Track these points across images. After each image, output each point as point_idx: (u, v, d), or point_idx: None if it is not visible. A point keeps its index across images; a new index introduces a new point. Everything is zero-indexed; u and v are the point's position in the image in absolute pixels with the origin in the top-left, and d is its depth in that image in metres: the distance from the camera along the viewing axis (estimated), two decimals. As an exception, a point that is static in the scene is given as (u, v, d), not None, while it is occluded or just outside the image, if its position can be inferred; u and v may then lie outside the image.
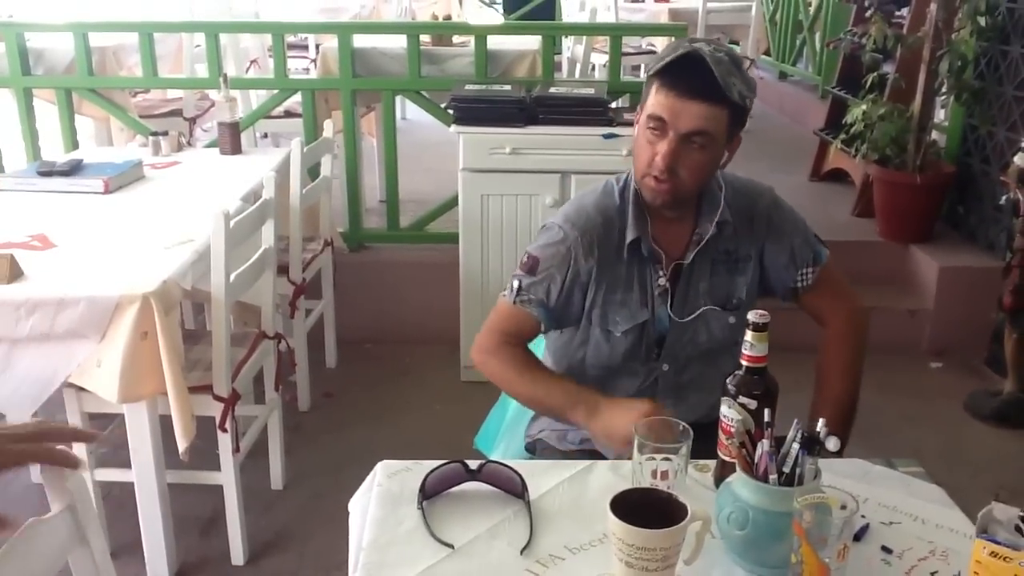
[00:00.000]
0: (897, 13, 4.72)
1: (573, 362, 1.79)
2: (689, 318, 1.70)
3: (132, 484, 2.30)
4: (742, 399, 1.31)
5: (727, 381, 1.34)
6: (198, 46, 4.52)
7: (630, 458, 1.35)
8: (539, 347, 2.00)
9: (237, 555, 2.50)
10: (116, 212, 2.68)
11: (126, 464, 2.30)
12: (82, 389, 2.19)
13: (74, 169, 2.90)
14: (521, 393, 1.74)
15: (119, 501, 2.51)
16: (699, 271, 1.70)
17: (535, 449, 1.85)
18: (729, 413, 1.33)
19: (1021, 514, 1.09)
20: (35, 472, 2.82)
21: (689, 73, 1.53)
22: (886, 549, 1.27)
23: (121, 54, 4.10)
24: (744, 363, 1.32)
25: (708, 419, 1.41)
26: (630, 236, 1.67)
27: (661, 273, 1.69)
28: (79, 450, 2.28)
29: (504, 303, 1.75)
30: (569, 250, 1.68)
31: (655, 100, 1.57)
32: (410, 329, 3.77)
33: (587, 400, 1.60)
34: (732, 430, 1.31)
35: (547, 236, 1.72)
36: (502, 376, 1.74)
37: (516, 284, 1.71)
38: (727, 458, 1.33)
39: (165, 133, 3.35)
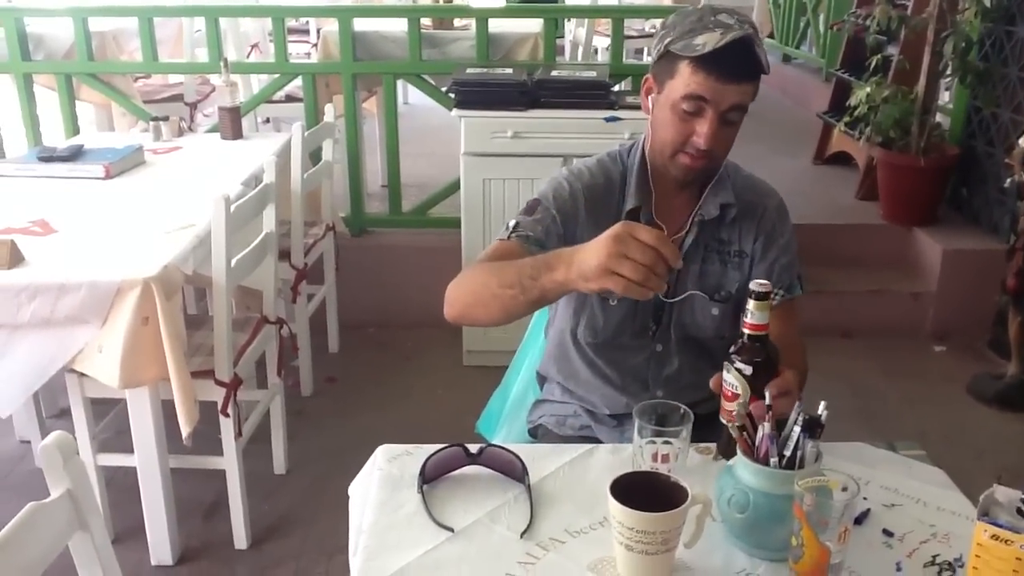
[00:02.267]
0: (901, -6, 4.69)
1: (566, 334, 1.75)
2: (675, 299, 1.67)
3: (135, 469, 2.31)
4: (739, 364, 1.31)
5: (728, 348, 1.34)
6: (198, 31, 4.50)
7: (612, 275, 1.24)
8: (531, 349, 2.01)
9: (240, 539, 2.51)
10: (117, 197, 2.68)
11: (129, 449, 2.31)
12: (84, 374, 2.19)
13: (75, 154, 2.89)
14: (491, 283, 1.46)
15: (122, 486, 2.51)
16: (692, 253, 1.67)
17: (537, 434, 1.85)
18: (729, 378, 1.33)
19: (1023, 497, 1.08)
20: (39, 456, 2.85)
21: (733, 55, 1.49)
22: (887, 532, 1.27)
23: (121, 39, 4.08)
24: (745, 331, 1.32)
25: (705, 410, 1.39)
26: (629, 204, 1.65)
27: None
28: (81, 436, 2.30)
29: (495, 243, 1.61)
30: (572, 196, 1.64)
31: (694, 81, 1.51)
32: (412, 314, 3.76)
33: (560, 254, 1.37)
34: (731, 394, 1.32)
35: (550, 183, 1.68)
36: (474, 280, 1.52)
37: (512, 223, 1.63)
38: (727, 423, 1.33)
39: (166, 118, 3.34)
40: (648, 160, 1.67)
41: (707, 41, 1.48)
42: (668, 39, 1.54)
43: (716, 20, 1.50)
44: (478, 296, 1.50)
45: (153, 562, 2.41)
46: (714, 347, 1.67)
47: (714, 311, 1.68)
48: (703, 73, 1.50)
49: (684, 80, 1.52)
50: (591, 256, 1.26)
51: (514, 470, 1.37)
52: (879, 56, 4.10)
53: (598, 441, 1.67)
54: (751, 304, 1.31)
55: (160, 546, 2.39)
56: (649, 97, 1.63)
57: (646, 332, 1.70)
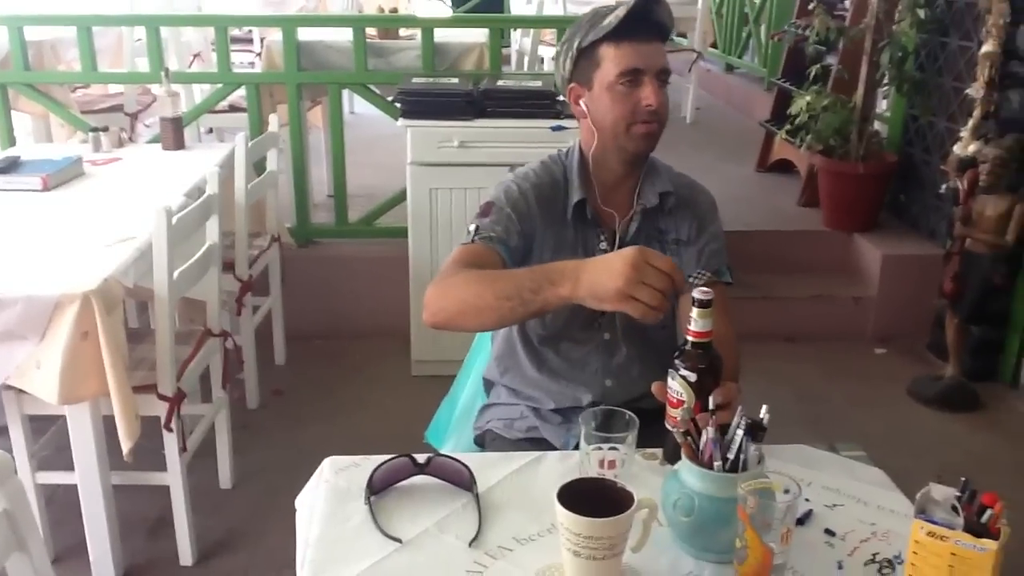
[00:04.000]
0: (840, 5, 4.79)
1: (513, 331, 1.78)
2: None
3: (76, 486, 2.26)
4: (684, 372, 1.33)
5: (674, 355, 1.36)
6: (139, 40, 4.43)
7: (634, 301, 1.29)
8: (478, 357, 2.01)
9: (185, 556, 2.47)
10: (55, 210, 2.62)
11: (69, 466, 2.25)
12: (22, 391, 2.14)
13: (11, 166, 2.83)
14: (486, 295, 1.46)
15: (63, 504, 2.46)
16: (635, 243, 1.69)
17: (484, 441, 1.85)
18: (674, 385, 1.35)
19: (958, 494, 1.11)
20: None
21: (641, 20, 1.61)
22: (829, 532, 1.29)
23: (59, 48, 4.00)
24: (689, 338, 1.34)
25: (651, 404, 1.41)
26: (575, 197, 1.71)
27: (603, 238, 1.73)
28: (19, 454, 2.25)
29: (460, 248, 1.64)
30: (522, 195, 1.69)
31: (620, 56, 1.62)
32: (360, 324, 3.75)
33: (564, 269, 1.40)
34: (676, 401, 1.34)
35: (499, 186, 1.73)
36: (460, 289, 1.50)
37: (473, 227, 1.66)
38: (672, 429, 1.34)
39: (106, 129, 3.28)
40: (587, 157, 1.74)
41: (616, 15, 1.61)
42: (576, 41, 1.67)
43: (610, 6, 1.63)
44: (469, 305, 1.50)
45: (96, 581, 2.36)
46: (658, 337, 1.73)
47: None
48: (625, 43, 1.62)
49: (611, 60, 1.64)
50: (607, 279, 1.31)
51: (462, 479, 1.37)
52: (819, 66, 4.18)
53: (545, 441, 1.68)
54: (694, 312, 1.32)
55: (103, 564, 2.33)
56: (580, 101, 1.71)
57: (593, 322, 1.74)
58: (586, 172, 1.74)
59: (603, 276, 1.33)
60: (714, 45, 7.10)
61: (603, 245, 1.72)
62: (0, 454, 1.10)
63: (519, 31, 6.10)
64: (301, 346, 3.65)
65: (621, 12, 1.60)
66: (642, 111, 1.64)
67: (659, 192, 1.73)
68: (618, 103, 1.65)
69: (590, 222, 1.72)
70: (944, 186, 3.60)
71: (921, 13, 3.71)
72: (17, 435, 2.25)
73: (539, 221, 1.69)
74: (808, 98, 4.05)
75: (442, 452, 1.65)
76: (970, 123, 3.35)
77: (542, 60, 5.94)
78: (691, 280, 1.72)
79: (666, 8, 1.65)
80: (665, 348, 1.67)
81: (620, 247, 1.70)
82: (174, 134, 3.23)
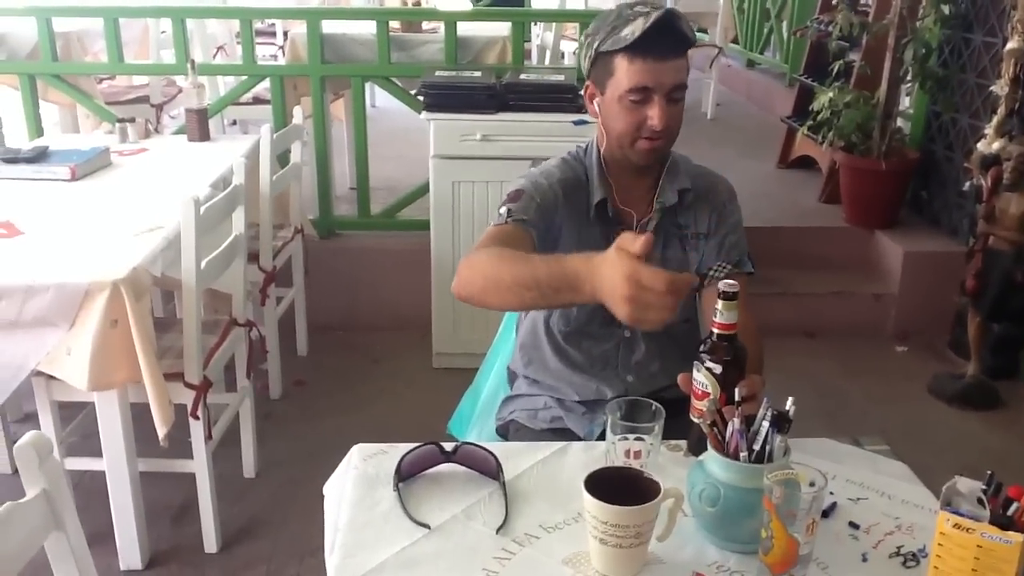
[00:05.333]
0: (862, 1, 4.77)
1: (539, 323, 1.80)
2: None
3: (103, 473, 2.29)
4: (709, 364, 1.34)
5: (699, 347, 1.37)
6: (164, 32, 4.46)
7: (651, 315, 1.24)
8: (503, 348, 2.03)
9: (210, 543, 2.50)
10: (83, 199, 2.66)
11: (97, 453, 2.29)
12: (52, 377, 2.17)
13: (40, 156, 2.86)
14: (511, 281, 1.43)
15: (89, 490, 2.50)
16: (655, 240, 1.70)
17: (507, 432, 1.87)
18: (699, 377, 1.36)
19: (984, 487, 1.12)
20: (3, 462, 2.81)
21: (658, 36, 1.58)
22: (853, 524, 1.30)
23: (86, 39, 4.04)
24: (714, 330, 1.35)
25: (673, 395, 1.42)
26: (597, 197, 1.72)
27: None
28: (48, 435, 2.27)
29: (494, 227, 1.63)
30: (550, 187, 1.70)
31: (632, 71, 1.61)
32: (381, 316, 3.77)
33: (576, 273, 1.34)
34: (700, 393, 1.35)
35: (527, 177, 1.73)
36: (490, 268, 1.47)
37: (504, 210, 1.65)
38: (697, 420, 1.35)
39: (132, 120, 3.31)
40: (604, 157, 1.75)
41: (634, 29, 1.58)
42: (596, 42, 1.65)
43: (634, 11, 1.61)
44: (492, 283, 1.47)
45: (122, 566, 2.39)
46: (680, 331, 1.74)
47: None
48: (639, 60, 1.60)
49: (624, 73, 1.62)
50: (611, 295, 1.25)
51: (489, 467, 1.38)
52: (841, 62, 4.17)
53: (569, 432, 1.70)
54: (720, 304, 1.34)
55: (129, 550, 2.37)
56: (594, 101, 1.72)
57: (613, 319, 1.73)
58: (603, 171, 1.75)
59: (607, 291, 1.27)
60: (735, 41, 7.07)
61: None
62: (40, 435, 1.12)
63: (541, 25, 6.10)
64: (323, 337, 3.68)
65: (638, 28, 1.58)
66: (647, 128, 1.64)
67: (678, 189, 1.74)
68: (625, 116, 1.65)
69: (611, 220, 1.74)
70: (967, 183, 3.59)
71: (945, 9, 3.70)
72: (47, 421, 2.28)
73: (565, 215, 1.70)
74: (830, 94, 4.04)
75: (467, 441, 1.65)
76: (994, 120, 3.33)
77: (563, 54, 5.94)
78: (712, 272, 1.73)
79: (686, 21, 1.64)
80: (686, 342, 1.70)
81: None
82: (199, 125, 3.25)
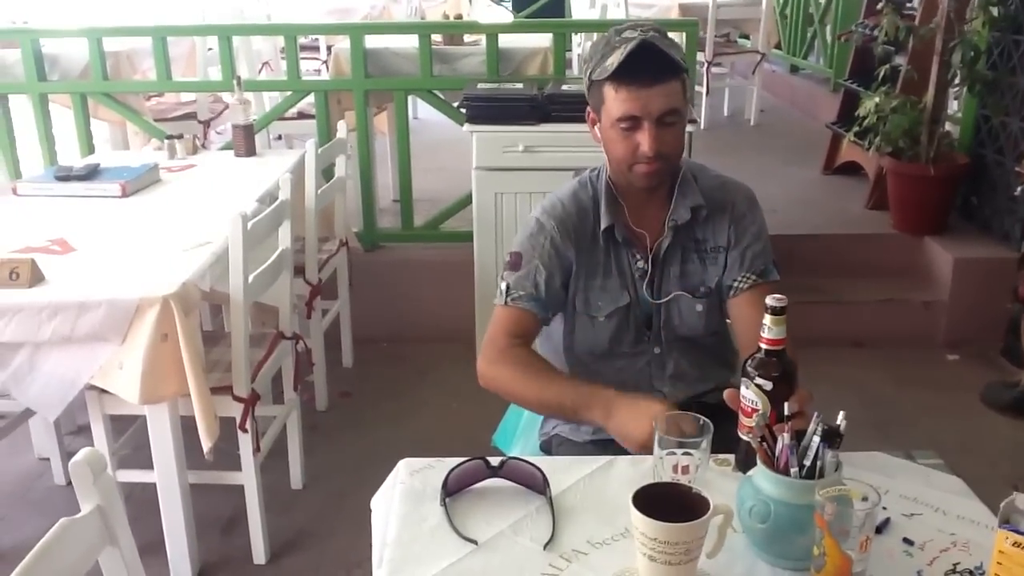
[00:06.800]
0: (908, 4, 4.70)
1: (562, 350, 1.82)
2: (662, 301, 1.75)
3: (154, 485, 2.33)
4: (759, 380, 1.32)
5: (746, 363, 1.36)
6: (210, 49, 4.54)
7: (650, 454, 1.36)
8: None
9: (259, 554, 2.52)
10: (134, 215, 2.71)
11: (147, 465, 2.32)
12: (104, 391, 2.21)
13: (91, 173, 2.92)
14: (530, 397, 1.70)
15: (139, 501, 2.53)
16: (672, 256, 1.76)
17: (551, 446, 1.86)
18: (747, 394, 1.35)
19: (1043, 504, 1.09)
20: (58, 473, 2.87)
21: (642, 62, 1.59)
22: (908, 541, 1.28)
23: (135, 58, 4.13)
24: (762, 346, 1.34)
25: (713, 399, 1.42)
26: (604, 223, 1.73)
27: (639, 256, 1.75)
28: (100, 451, 2.31)
29: (498, 309, 1.76)
30: (548, 238, 1.74)
31: (618, 100, 1.63)
32: (426, 328, 3.78)
33: (601, 399, 1.58)
34: (749, 410, 1.34)
35: (526, 230, 1.79)
36: (510, 382, 1.69)
37: (504, 286, 1.75)
38: (746, 437, 1.34)
39: (180, 136, 3.37)
40: (612, 180, 1.77)
41: (615, 59, 1.60)
42: (589, 70, 1.68)
43: (621, 38, 1.62)
44: (513, 392, 1.72)
45: (173, 578, 2.42)
46: (708, 343, 1.77)
47: (699, 308, 1.75)
48: (624, 89, 1.62)
49: (612, 102, 1.64)
50: (633, 428, 1.50)
51: (535, 482, 1.38)
52: (887, 66, 4.11)
53: (612, 442, 1.69)
54: (767, 319, 1.32)
55: (180, 562, 2.40)
56: (595, 127, 1.74)
57: (642, 338, 1.76)
58: (613, 194, 1.76)
59: (630, 424, 1.49)
60: (778, 46, 7.01)
61: (639, 263, 1.75)
62: (94, 451, 1.14)
63: (582, 35, 6.10)
64: (368, 349, 3.71)
65: (618, 57, 1.59)
66: (641, 155, 1.65)
67: (691, 207, 1.74)
68: (620, 143, 1.67)
69: (622, 244, 1.75)
70: (1019, 188, 3.51)
71: (994, 11, 3.63)
72: (99, 433, 2.33)
73: (571, 253, 1.74)
74: (877, 99, 3.98)
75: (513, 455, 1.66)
76: (1046, 123, 3.27)
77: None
78: (736, 284, 1.73)
79: (671, 44, 1.64)
80: (716, 350, 1.72)
81: (655, 265, 1.74)
82: (246, 141, 3.30)
